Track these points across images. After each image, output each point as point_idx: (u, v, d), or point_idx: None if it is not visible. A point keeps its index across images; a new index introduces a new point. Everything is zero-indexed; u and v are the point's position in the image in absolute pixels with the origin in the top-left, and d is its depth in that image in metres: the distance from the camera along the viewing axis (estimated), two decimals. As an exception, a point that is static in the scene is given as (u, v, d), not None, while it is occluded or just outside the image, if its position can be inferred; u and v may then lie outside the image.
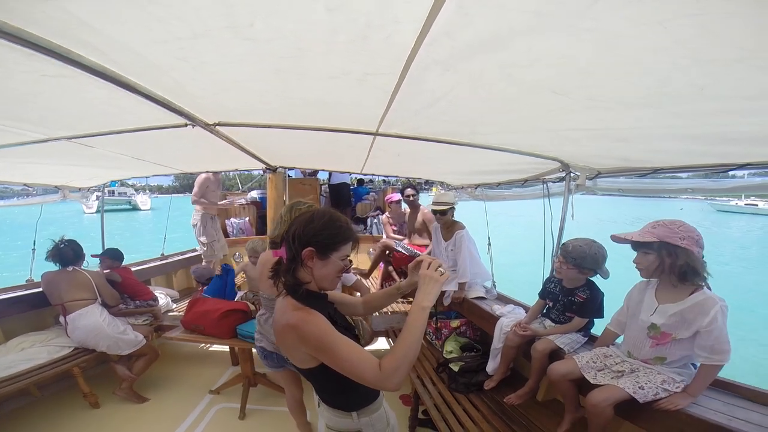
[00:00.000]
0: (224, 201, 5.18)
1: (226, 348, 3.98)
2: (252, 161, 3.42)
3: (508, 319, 2.60)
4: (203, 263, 4.93)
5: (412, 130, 2.00)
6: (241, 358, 3.24)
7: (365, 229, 6.72)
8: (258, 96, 1.58)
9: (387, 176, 5.70)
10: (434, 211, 3.37)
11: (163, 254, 5.27)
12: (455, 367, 2.75)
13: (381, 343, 4.02)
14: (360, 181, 9.54)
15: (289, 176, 7.19)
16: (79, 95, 1.46)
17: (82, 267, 3.33)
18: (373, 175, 5.57)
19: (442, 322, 3.39)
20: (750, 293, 11.71)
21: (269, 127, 2.03)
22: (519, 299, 3.05)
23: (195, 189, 4.80)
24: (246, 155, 3.05)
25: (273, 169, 3.90)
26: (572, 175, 2.51)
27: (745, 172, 1.78)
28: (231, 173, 8.58)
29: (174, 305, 4.36)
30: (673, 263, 1.64)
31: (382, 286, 4.83)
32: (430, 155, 2.74)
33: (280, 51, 1.07)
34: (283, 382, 2.52)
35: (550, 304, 2.39)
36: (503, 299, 3.19)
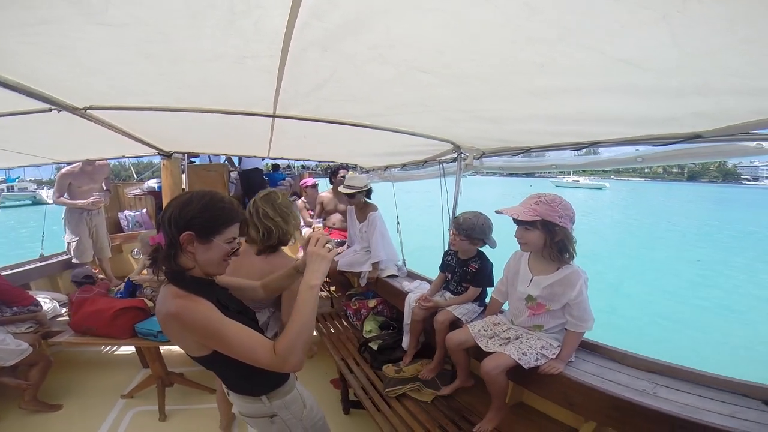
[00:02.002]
0: (95, 196, 4.52)
1: (133, 350, 3.69)
2: (142, 147, 3.16)
3: (414, 295, 2.72)
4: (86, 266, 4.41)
5: (311, 112, 2.01)
6: (149, 359, 3.04)
7: None
8: (131, 79, 1.53)
9: (299, 159, 5.60)
10: (344, 194, 3.45)
11: (42, 255, 4.61)
12: (374, 346, 2.85)
13: None
14: (275, 167, 9.19)
15: (192, 162, 6.78)
16: None
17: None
18: (286, 159, 5.45)
19: (360, 302, 3.50)
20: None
21: (150, 110, 1.90)
22: (427, 275, 3.22)
23: (54, 186, 4.21)
24: (133, 141, 2.81)
25: (168, 155, 3.63)
26: (462, 155, 2.72)
27: (599, 149, 2.04)
28: (126, 162, 7.78)
29: (63, 309, 3.89)
30: (552, 240, 1.72)
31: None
32: (335, 137, 2.77)
33: (142, 35, 1.07)
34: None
35: (449, 277, 2.55)
36: (413, 276, 3.36)
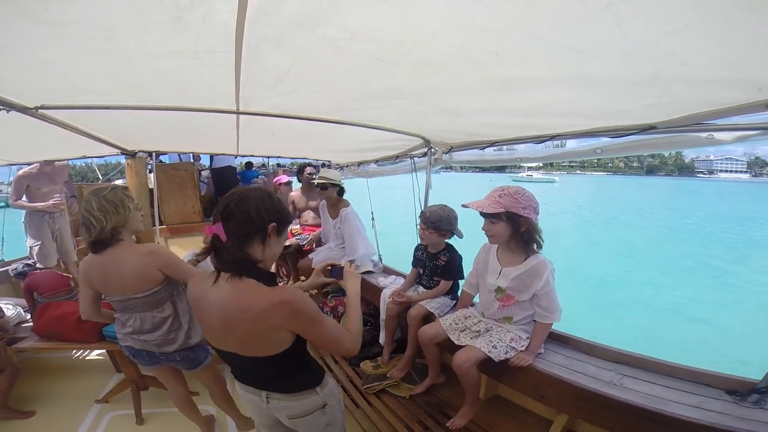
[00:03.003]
0: (56, 198, 4.29)
1: (105, 353, 3.59)
2: (103, 147, 3.06)
3: (389, 290, 2.73)
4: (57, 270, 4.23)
5: (275, 108, 1.98)
6: (121, 363, 2.97)
7: None
8: (81, 77, 1.47)
9: (271, 157, 5.52)
10: (316, 185, 3.44)
11: (3, 260, 4.41)
12: None
13: None
14: (248, 165, 9.04)
15: (161, 161, 6.60)
16: None
17: None
18: (256, 156, 5.38)
19: (337, 299, 3.49)
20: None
21: (106, 108, 1.83)
22: (404, 270, 3.18)
23: (11, 188, 4.00)
24: (93, 140, 2.71)
25: (132, 155, 3.53)
26: (432, 150, 2.74)
27: (558, 141, 2.09)
28: (93, 163, 7.50)
29: (28, 315, 3.74)
30: (516, 231, 1.76)
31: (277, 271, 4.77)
32: (304, 134, 2.74)
33: (86, 33, 1.05)
34: (164, 380, 2.37)
35: (421, 271, 2.57)
36: (388, 271, 3.37)
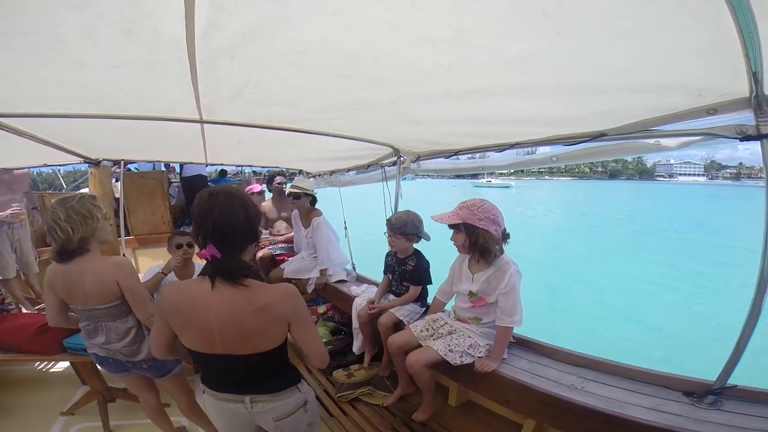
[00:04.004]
0: (14, 207, 4.08)
1: (69, 366, 3.44)
2: (64, 155, 2.98)
3: (361, 299, 2.75)
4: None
5: (241, 117, 1.98)
6: (85, 374, 2.86)
7: None
8: (36, 86, 1.46)
9: (242, 165, 5.45)
10: (288, 194, 3.43)
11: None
12: None
13: None
14: (222, 173, 8.90)
15: (129, 170, 6.42)
16: None
17: None
18: (228, 165, 5.32)
19: (310, 309, 3.47)
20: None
21: (63, 116, 1.79)
22: (378, 279, 3.13)
23: None
24: (53, 149, 2.63)
25: (95, 163, 3.45)
26: (401, 158, 2.78)
27: (528, 149, 2.12)
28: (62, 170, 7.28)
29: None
30: (475, 242, 1.82)
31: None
32: (273, 142, 2.73)
33: (37, 44, 1.05)
34: (134, 389, 2.28)
35: (390, 276, 2.59)
36: (362, 280, 3.37)
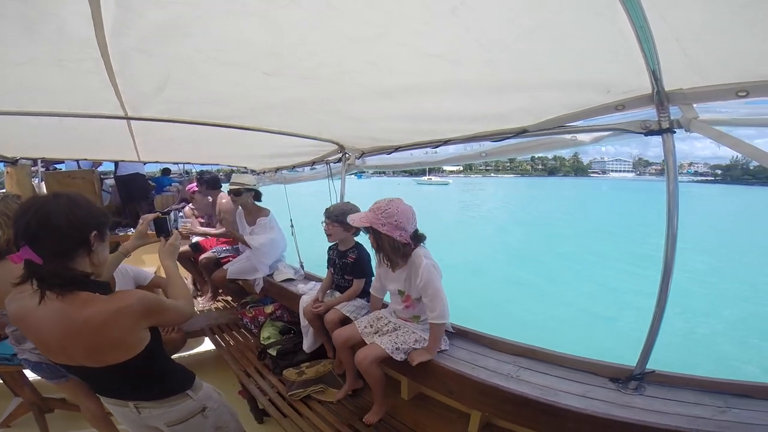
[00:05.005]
0: None
1: None
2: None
3: (307, 296, 2.71)
4: None
5: (171, 113, 1.90)
6: (14, 385, 2.62)
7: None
8: None
9: (178, 163, 5.19)
10: (229, 192, 3.30)
11: None
12: (273, 352, 2.77)
13: (206, 344, 3.69)
14: (165, 171, 8.38)
15: (55, 169, 5.89)
16: None
17: None
18: (163, 162, 5.05)
19: (256, 309, 3.37)
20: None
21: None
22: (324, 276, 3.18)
23: None
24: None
25: (12, 162, 3.18)
26: (346, 155, 2.80)
27: (451, 146, 2.14)
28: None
29: None
30: (380, 245, 1.83)
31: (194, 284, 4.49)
32: (211, 139, 2.65)
33: None
34: (73, 397, 2.14)
35: (333, 270, 2.57)
36: (310, 277, 3.34)
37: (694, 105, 1.21)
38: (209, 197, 4.11)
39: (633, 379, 1.49)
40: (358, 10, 0.88)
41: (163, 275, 1.61)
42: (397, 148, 2.36)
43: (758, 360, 6.75)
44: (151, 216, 1.65)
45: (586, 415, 1.37)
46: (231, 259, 3.68)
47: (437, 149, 2.14)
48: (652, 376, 1.49)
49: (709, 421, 1.25)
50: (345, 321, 2.32)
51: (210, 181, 4.01)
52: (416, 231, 1.83)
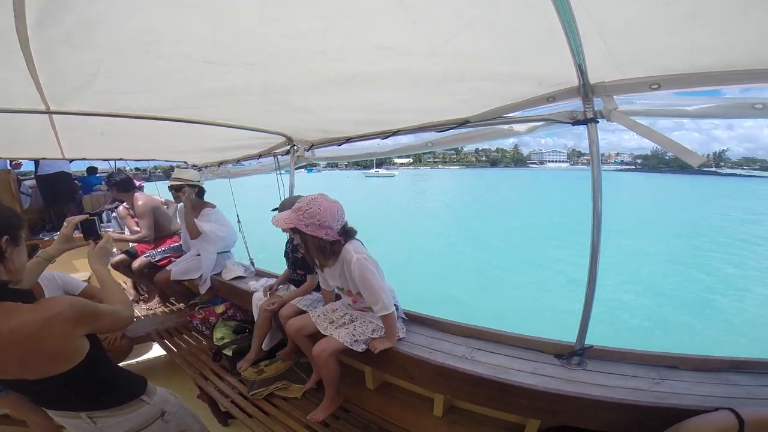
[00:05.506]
0: None
1: None
2: None
3: (260, 293, 2.66)
4: None
5: (100, 107, 1.78)
6: None
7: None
8: None
9: (109, 159, 4.79)
10: (170, 187, 3.12)
11: None
12: (229, 352, 2.69)
13: (155, 350, 3.52)
14: (91, 169, 7.69)
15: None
16: None
17: None
18: (91, 159, 4.64)
19: (206, 310, 3.24)
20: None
21: None
22: (278, 272, 3.04)
23: None
24: None
25: None
26: (295, 147, 2.75)
27: (403, 137, 2.18)
28: None
29: None
30: (306, 247, 1.76)
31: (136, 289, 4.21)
32: (145, 133, 2.48)
33: None
34: (17, 412, 1.98)
35: (287, 263, 2.54)
36: (261, 274, 3.26)
37: (615, 97, 1.33)
38: (124, 201, 3.80)
39: (575, 354, 1.60)
40: (308, 1, 0.88)
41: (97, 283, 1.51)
42: (347, 139, 2.36)
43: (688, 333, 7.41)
44: (77, 218, 1.54)
45: (539, 391, 1.45)
46: (173, 259, 3.50)
47: (387, 140, 2.17)
48: (591, 351, 1.60)
49: (647, 392, 1.37)
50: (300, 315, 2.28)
51: (120, 184, 3.65)
52: (345, 226, 1.77)
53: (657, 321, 7.93)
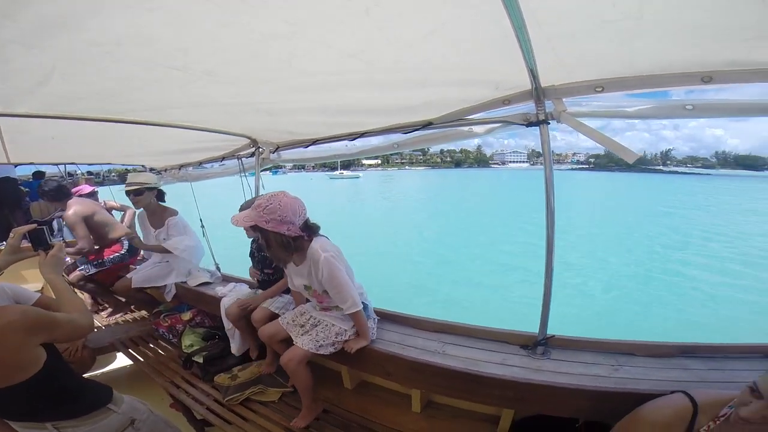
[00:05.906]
0: None
1: None
2: None
3: (228, 298, 2.61)
4: None
5: (51, 109, 1.71)
6: None
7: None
8: None
9: (62, 164, 4.52)
10: (127, 192, 2.96)
11: None
12: (199, 359, 2.63)
13: (120, 360, 3.34)
14: (38, 174, 7.20)
15: None
16: None
17: None
18: (39, 164, 4.36)
19: (172, 318, 3.14)
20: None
21: None
22: (245, 276, 2.99)
23: None
24: None
25: None
26: (260, 149, 2.72)
27: (373, 138, 2.21)
28: None
29: None
30: (268, 244, 1.73)
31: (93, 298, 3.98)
32: (100, 136, 2.39)
33: None
34: None
35: (253, 264, 2.51)
36: (228, 279, 3.20)
37: (564, 99, 1.42)
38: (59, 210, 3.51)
39: (539, 344, 1.68)
40: (274, 7, 0.89)
41: (51, 293, 1.46)
42: (314, 141, 2.37)
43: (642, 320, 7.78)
44: (24, 228, 1.46)
45: (508, 381, 1.52)
46: (134, 263, 3.34)
47: (355, 141, 2.19)
48: (553, 340, 1.69)
49: (608, 378, 1.46)
50: (273, 318, 2.25)
51: (51, 193, 3.33)
52: (307, 222, 1.75)
53: (610, 309, 8.29)
